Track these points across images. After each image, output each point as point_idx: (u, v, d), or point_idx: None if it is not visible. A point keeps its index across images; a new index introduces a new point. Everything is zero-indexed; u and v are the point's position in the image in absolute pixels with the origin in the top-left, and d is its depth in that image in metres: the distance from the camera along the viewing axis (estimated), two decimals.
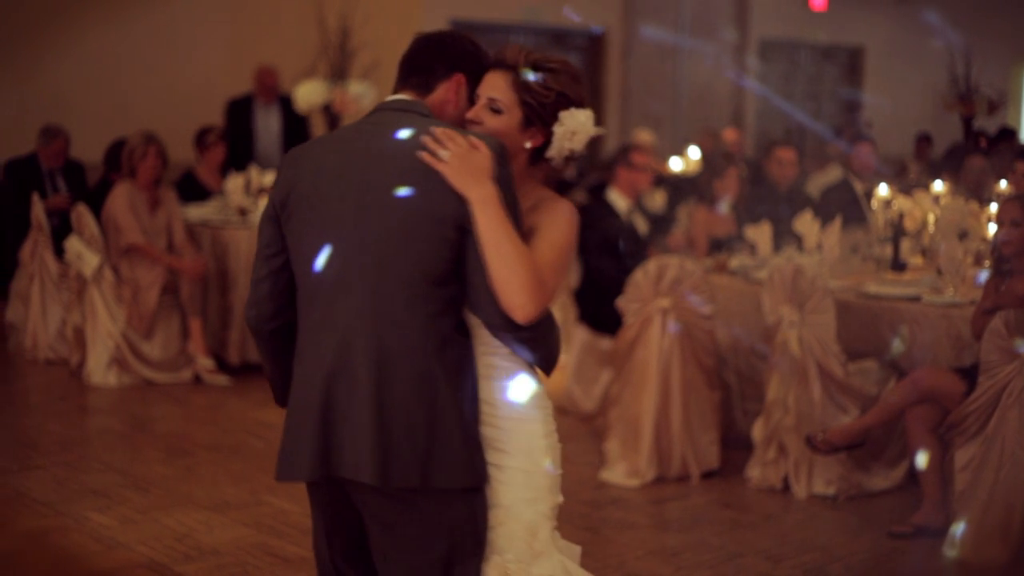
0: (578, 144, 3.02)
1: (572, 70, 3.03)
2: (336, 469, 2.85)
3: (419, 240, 2.80)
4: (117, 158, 8.62)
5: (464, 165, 2.78)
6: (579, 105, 3.01)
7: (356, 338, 2.82)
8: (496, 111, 2.98)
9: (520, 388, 2.94)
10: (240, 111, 11.08)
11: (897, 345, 5.97)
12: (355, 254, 2.83)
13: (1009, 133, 10.39)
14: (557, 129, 2.99)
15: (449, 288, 2.83)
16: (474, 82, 3.04)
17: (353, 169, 2.87)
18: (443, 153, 2.79)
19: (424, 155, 2.80)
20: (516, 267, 2.76)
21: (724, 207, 8.03)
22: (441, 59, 3.02)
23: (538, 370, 3.00)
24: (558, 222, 2.92)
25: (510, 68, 2.99)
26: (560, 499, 3.01)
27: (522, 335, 2.84)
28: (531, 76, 2.97)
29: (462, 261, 2.82)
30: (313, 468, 2.85)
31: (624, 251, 7.42)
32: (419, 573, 2.90)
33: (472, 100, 3.03)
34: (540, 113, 2.98)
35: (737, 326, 6.74)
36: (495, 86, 2.99)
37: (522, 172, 3.01)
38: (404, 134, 2.86)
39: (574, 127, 2.99)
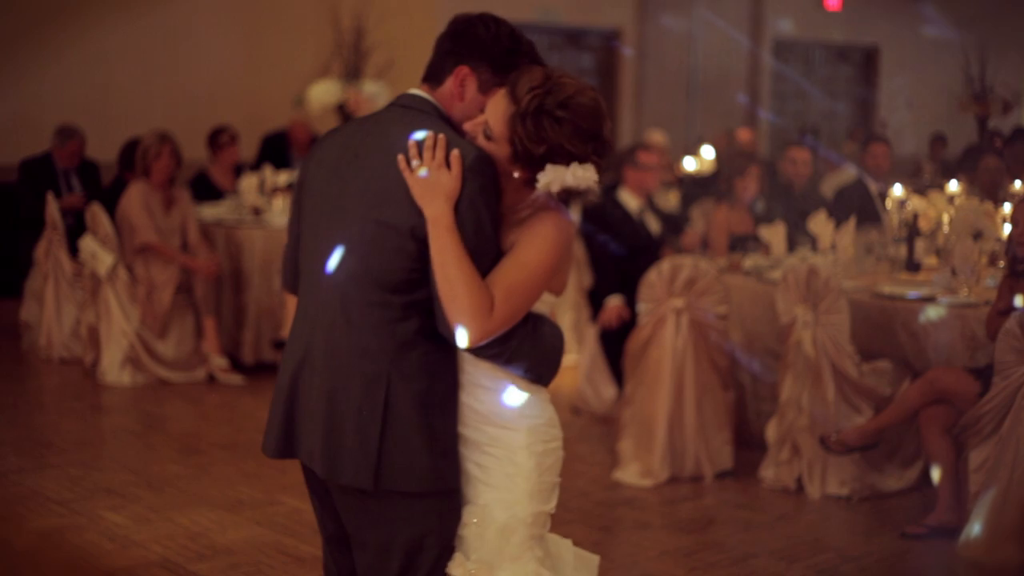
0: (571, 185, 2.78)
1: (582, 122, 2.77)
2: (296, 453, 2.95)
3: (377, 248, 2.78)
4: (131, 158, 8.64)
5: (428, 180, 2.73)
6: (577, 159, 2.78)
7: (318, 333, 2.87)
8: (488, 136, 2.83)
9: (512, 395, 2.88)
10: (275, 149, 10.89)
11: (932, 312, 5.91)
12: (327, 251, 2.86)
13: None
14: (540, 177, 2.78)
15: (411, 294, 2.78)
16: (492, 70, 2.90)
17: (342, 166, 2.90)
18: (415, 163, 2.75)
19: (400, 159, 2.78)
20: (459, 291, 2.70)
21: (753, 203, 8.01)
22: (451, 51, 2.93)
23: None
24: (535, 241, 2.80)
25: (515, 102, 2.78)
26: (550, 507, 2.93)
27: (486, 352, 2.79)
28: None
29: (428, 272, 2.77)
30: (278, 448, 2.98)
31: (621, 250, 7.41)
32: (382, 558, 2.90)
33: (487, 91, 2.89)
34: (525, 158, 2.78)
35: (748, 353, 6.75)
36: (494, 112, 2.82)
37: (521, 184, 2.86)
38: (396, 135, 2.83)
39: (558, 180, 2.77)
